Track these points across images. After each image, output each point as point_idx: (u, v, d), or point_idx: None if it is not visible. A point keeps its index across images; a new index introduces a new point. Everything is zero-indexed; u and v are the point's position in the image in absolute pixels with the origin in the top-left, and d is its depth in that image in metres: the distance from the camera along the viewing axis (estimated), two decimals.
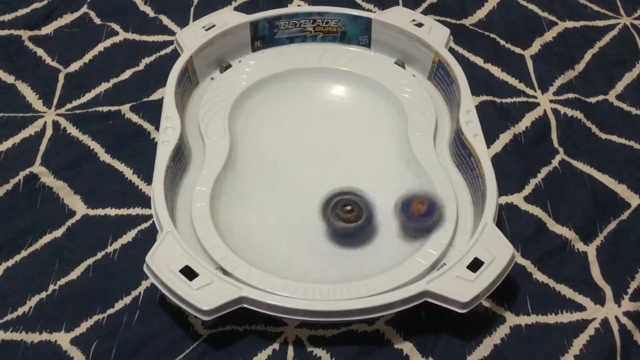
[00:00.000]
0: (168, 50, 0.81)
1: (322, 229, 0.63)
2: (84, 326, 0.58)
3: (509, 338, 0.58)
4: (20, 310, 0.59)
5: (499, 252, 0.56)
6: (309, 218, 0.64)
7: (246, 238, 0.62)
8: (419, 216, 0.60)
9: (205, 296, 0.53)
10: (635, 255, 0.64)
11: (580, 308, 0.60)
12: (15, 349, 0.56)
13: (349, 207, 0.61)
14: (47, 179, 0.68)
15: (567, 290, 0.61)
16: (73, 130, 0.72)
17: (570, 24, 0.86)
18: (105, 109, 0.75)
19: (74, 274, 0.61)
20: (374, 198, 0.62)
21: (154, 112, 0.71)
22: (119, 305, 0.59)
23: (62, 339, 0.57)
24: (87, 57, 0.80)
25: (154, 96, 0.76)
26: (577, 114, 0.75)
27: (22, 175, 0.68)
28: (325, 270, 0.61)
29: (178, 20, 0.84)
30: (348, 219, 0.61)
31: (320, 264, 0.61)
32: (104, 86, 0.77)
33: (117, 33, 0.83)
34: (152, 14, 0.86)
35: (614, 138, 0.74)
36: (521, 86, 0.78)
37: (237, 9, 0.85)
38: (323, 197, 0.62)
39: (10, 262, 0.62)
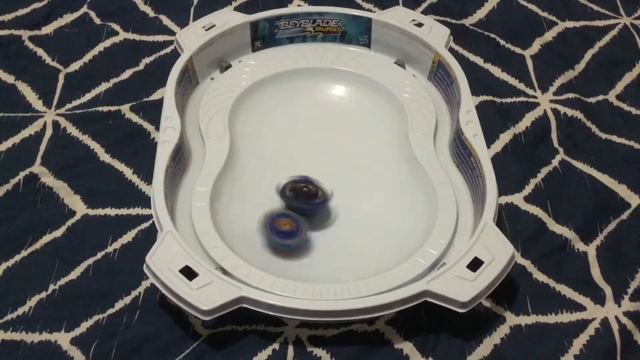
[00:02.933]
0: (168, 50, 0.81)
1: (322, 228, 0.63)
2: (84, 326, 0.58)
3: (509, 338, 0.58)
4: (20, 310, 0.59)
5: (499, 252, 0.56)
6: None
7: (246, 238, 0.62)
8: (283, 233, 0.60)
9: (205, 296, 0.53)
10: (635, 255, 0.64)
11: (580, 308, 0.60)
12: (16, 349, 0.56)
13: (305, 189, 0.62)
14: (47, 179, 0.68)
15: (567, 290, 0.61)
16: (73, 130, 0.72)
17: (570, 24, 0.86)
18: (106, 108, 0.75)
19: (74, 274, 0.61)
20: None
21: (154, 112, 0.71)
22: (119, 305, 0.59)
23: (62, 338, 0.57)
24: (87, 57, 0.80)
25: (154, 96, 0.76)
26: (577, 114, 0.75)
27: (22, 175, 0.68)
28: (325, 270, 0.61)
29: (178, 21, 0.84)
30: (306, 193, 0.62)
31: (320, 264, 0.61)
32: (104, 86, 0.77)
33: (117, 33, 0.83)
34: (152, 14, 0.86)
35: (614, 138, 0.74)
36: (521, 86, 0.78)
37: (237, 9, 0.85)
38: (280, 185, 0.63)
39: (11, 262, 0.62)
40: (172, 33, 0.83)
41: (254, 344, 0.57)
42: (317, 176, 0.68)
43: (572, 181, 0.69)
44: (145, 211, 0.65)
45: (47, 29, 0.83)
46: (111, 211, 0.66)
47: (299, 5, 0.86)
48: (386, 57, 0.77)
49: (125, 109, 0.74)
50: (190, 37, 0.73)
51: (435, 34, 0.74)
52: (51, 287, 0.60)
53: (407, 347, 0.57)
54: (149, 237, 0.63)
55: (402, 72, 0.75)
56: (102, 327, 0.58)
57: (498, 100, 0.76)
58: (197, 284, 0.54)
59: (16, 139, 0.72)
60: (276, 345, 0.57)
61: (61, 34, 0.83)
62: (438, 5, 0.87)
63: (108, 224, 0.65)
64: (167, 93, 0.68)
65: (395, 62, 0.76)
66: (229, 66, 0.75)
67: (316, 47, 0.77)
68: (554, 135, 0.74)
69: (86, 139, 0.72)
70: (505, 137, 0.73)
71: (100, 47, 0.81)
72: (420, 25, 0.75)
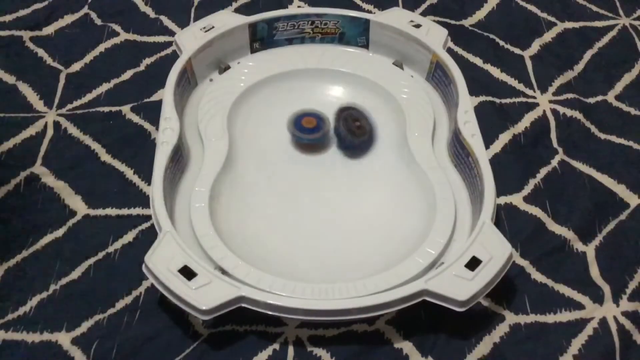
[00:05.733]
0: (169, 51, 0.81)
1: (321, 227, 0.63)
2: (85, 326, 0.58)
3: (508, 337, 0.58)
4: (21, 310, 0.59)
5: (497, 251, 0.56)
6: (307, 217, 0.65)
7: (245, 238, 0.62)
8: (309, 130, 0.69)
9: (204, 296, 0.54)
10: (634, 255, 0.64)
11: (579, 307, 0.60)
12: (16, 349, 0.57)
13: (358, 123, 0.69)
14: (48, 179, 0.68)
15: (565, 289, 0.61)
16: (74, 131, 0.73)
17: (569, 25, 0.86)
18: (106, 109, 0.75)
19: (74, 274, 0.61)
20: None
21: (154, 113, 0.71)
22: (120, 305, 0.59)
23: (63, 338, 0.57)
24: (88, 58, 0.80)
25: (155, 97, 0.76)
26: (577, 114, 0.75)
27: (23, 175, 0.68)
28: (324, 269, 0.61)
29: (179, 21, 0.85)
30: (356, 133, 0.69)
31: (319, 264, 0.62)
32: (105, 87, 0.77)
33: (118, 34, 0.83)
34: (152, 14, 0.86)
35: (613, 138, 0.74)
36: (520, 86, 0.79)
37: (237, 9, 0.85)
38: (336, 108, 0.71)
39: (11, 262, 0.62)
40: (173, 34, 0.83)
41: (254, 344, 0.57)
42: (315, 176, 0.68)
43: (571, 181, 0.69)
44: (146, 211, 0.65)
45: (48, 30, 0.84)
46: (112, 211, 0.66)
47: (298, 7, 0.86)
48: (384, 58, 0.77)
49: (126, 109, 0.75)
50: (189, 39, 0.73)
51: (433, 35, 0.74)
52: (52, 287, 0.60)
53: (407, 347, 0.57)
54: (150, 237, 0.63)
55: (400, 72, 0.75)
56: (103, 327, 0.58)
57: (497, 100, 0.77)
58: (196, 283, 0.54)
59: (17, 139, 0.72)
60: (276, 346, 0.57)
61: (62, 35, 0.83)
62: (437, 6, 0.87)
63: (109, 224, 0.65)
64: (166, 94, 0.68)
65: (393, 63, 0.76)
66: (228, 67, 0.75)
67: (314, 48, 0.77)
68: (553, 136, 0.74)
69: (87, 140, 0.72)
70: (504, 138, 0.73)
71: (101, 48, 0.81)
72: (418, 26, 0.75)
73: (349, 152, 0.70)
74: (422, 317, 0.59)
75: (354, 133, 0.69)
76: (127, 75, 0.79)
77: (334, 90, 0.75)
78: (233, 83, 0.73)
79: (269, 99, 0.73)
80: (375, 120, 0.70)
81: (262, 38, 0.77)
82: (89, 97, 0.76)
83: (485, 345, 0.57)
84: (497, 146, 0.72)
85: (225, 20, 0.75)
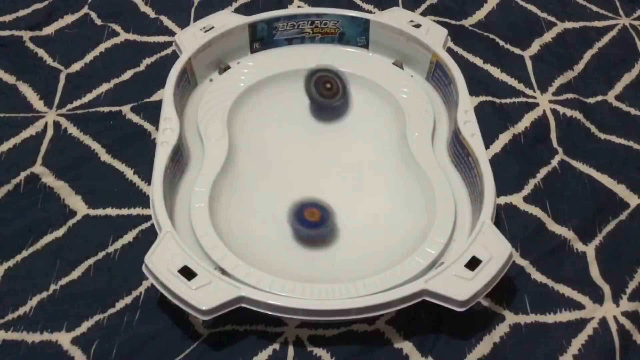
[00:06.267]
0: (169, 51, 0.81)
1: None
2: (85, 326, 0.58)
3: (508, 337, 0.58)
4: (21, 310, 0.59)
5: (497, 251, 0.56)
6: None
7: (245, 238, 0.62)
8: (312, 223, 0.61)
9: (204, 296, 0.54)
10: (634, 255, 0.64)
11: (579, 307, 0.60)
12: (16, 349, 0.57)
13: (328, 85, 0.69)
14: (48, 179, 0.68)
15: (565, 289, 0.61)
16: (74, 131, 0.73)
17: (569, 25, 0.86)
18: (106, 109, 0.75)
19: (74, 274, 0.61)
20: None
21: (154, 113, 0.71)
22: (120, 305, 0.59)
23: (63, 338, 0.57)
24: (88, 58, 0.80)
25: (155, 97, 0.76)
26: (576, 114, 0.75)
27: (23, 175, 0.69)
28: (324, 269, 0.61)
29: (178, 21, 0.85)
30: (328, 95, 0.70)
31: (319, 264, 0.61)
32: (105, 87, 0.77)
33: (117, 34, 0.83)
34: (152, 14, 0.86)
35: (613, 138, 0.74)
36: (520, 86, 0.79)
37: (237, 9, 0.85)
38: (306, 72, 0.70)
39: (11, 262, 0.62)
40: (173, 34, 0.83)
41: (255, 344, 0.57)
42: (315, 176, 0.68)
43: (571, 181, 0.69)
44: (146, 211, 0.66)
45: (48, 30, 0.84)
46: (112, 211, 0.66)
47: (298, 7, 0.87)
48: (384, 58, 0.77)
49: (126, 109, 0.75)
50: (189, 39, 0.73)
51: (433, 35, 0.74)
52: (52, 287, 0.60)
53: (407, 347, 0.57)
54: (150, 237, 0.63)
55: (400, 72, 0.75)
56: (103, 327, 0.58)
57: (497, 100, 0.77)
58: (196, 284, 0.54)
59: (17, 139, 0.72)
60: (276, 345, 0.57)
61: (62, 35, 0.83)
62: (437, 6, 0.87)
63: (109, 224, 0.65)
64: (166, 94, 0.68)
65: (393, 63, 0.76)
66: (228, 67, 0.75)
67: (314, 48, 0.77)
68: (553, 136, 0.74)
69: (87, 139, 0.72)
70: (504, 138, 0.73)
71: (101, 48, 0.81)
72: (418, 26, 0.75)
73: (324, 115, 0.71)
74: (422, 317, 0.59)
75: (324, 95, 0.70)
76: (127, 75, 0.79)
77: None
78: (233, 83, 0.73)
79: (269, 99, 0.73)
80: (347, 79, 0.71)
81: (262, 38, 0.77)
82: (89, 97, 0.76)
83: (485, 345, 0.57)
84: (497, 146, 0.72)
85: (225, 20, 0.75)
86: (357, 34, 0.77)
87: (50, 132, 0.73)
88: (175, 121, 0.65)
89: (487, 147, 0.67)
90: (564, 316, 0.59)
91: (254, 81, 0.73)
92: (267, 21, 0.76)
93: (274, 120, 0.72)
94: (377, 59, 0.77)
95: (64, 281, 0.61)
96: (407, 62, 0.76)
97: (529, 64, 0.81)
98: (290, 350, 0.57)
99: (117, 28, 0.84)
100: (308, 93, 0.71)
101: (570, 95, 0.77)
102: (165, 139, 0.64)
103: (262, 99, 0.73)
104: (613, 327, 0.59)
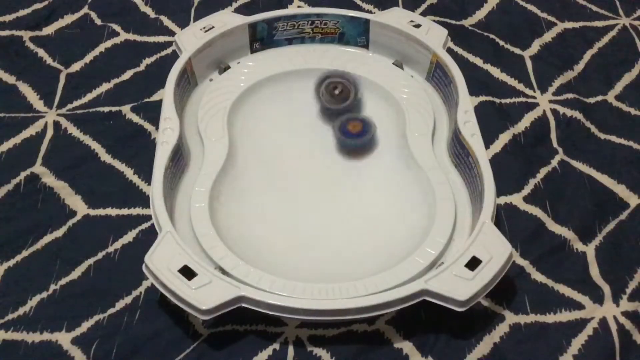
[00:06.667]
0: (169, 51, 0.81)
1: (321, 227, 0.63)
2: (85, 326, 0.58)
3: (508, 337, 0.58)
4: (21, 310, 0.59)
5: (497, 251, 0.56)
6: (308, 217, 0.65)
7: (245, 238, 0.62)
8: (355, 134, 0.69)
9: (204, 296, 0.54)
10: (633, 255, 0.64)
11: (579, 307, 0.60)
12: (16, 349, 0.57)
13: (337, 90, 0.70)
14: (48, 179, 0.68)
15: (565, 289, 0.61)
16: (74, 131, 0.73)
17: (569, 25, 0.86)
18: (106, 109, 0.75)
19: (74, 274, 0.61)
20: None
21: (154, 113, 0.71)
22: (120, 305, 0.59)
23: (63, 338, 0.57)
24: (88, 58, 0.80)
25: (155, 97, 0.76)
26: (577, 114, 0.75)
27: (23, 175, 0.68)
28: (324, 269, 0.61)
29: (179, 21, 0.85)
30: (337, 99, 0.71)
31: (319, 263, 0.61)
32: (105, 86, 0.77)
33: (118, 34, 0.83)
34: (152, 14, 0.86)
35: (613, 138, 0.74)
36: (520, 86, 0.79)
37: (237, 9, 0.85)
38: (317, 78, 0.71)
39: (11, 262, 0.62)
40: (173, 34, 0.83)
41: (255, 344, 0.57)
42: (315, 176, 0.68)
43: (571, 181, 0.69)
44: (146, 211, 0.66)
45: (48, 30, 0.84)
46: (112, 211, 0.66)
47: (298, 7, 0.87)
48: (384, 58, 0.77)
49: (126, 109, 0.75)
50: (189, 39, 0.73)
51: (433, 35, 0.74)
52: (52, 287, 0.60)
53: (407, 347, 0.57)
54: (150, 237, 0.63)
55: (400, 72, 0.75)
56: (103, 327, 0.58)
57: (497, 100, 0.77)
58: (196, 283, 0.54)
59: (17, 139, 0.72)
60: (276, 345, 0.57)
61: (62, 35, 0.83)
62: (437, 6, 0.87)
63: (109, 224, 0.65)
64: (166, 94, 0.68)
65: (393, 63, 0.76)
66: (228, 67, 0.75)
67: (314, 48, 0.77)
68: (553, 136, 0.74)
69: (87, 139, 0.72)
70: (504, 138, 0.73)
71: (101, 48, 0.81)
72: (418, 26, 0.75)
73: (334, 117, 0.71)
74: (422, 317, 0.59)
75: (334, 99, 0.71)
76: (127, 75, 0.79)
77: None
78: (233, 83, 0.73)
79: (269, 99, 0.73)
80: (358, 81, 0.71)
81: (262, 38, 0.77)
82: (89, 97, 0.76)
83: (485, 345, 0.57)
84: (497, 146, 0.72)
85: (225, 20, 0.75)
86: (357, 34, 0.77)
87: (50, 132, 0.73)
88: (175, 121, 0.66)
89: (487, 147, 0.67)
90: (564, 316, 0.59)
91: (254, 81, 0.73)
92: (268, 21, 0.76)
93: (274, 120, 0.72)
94: (377, 59, 0.77)
95: (64, 281, 0.61)
96: (407, 62, 0.76)
97: (529, 64, 0.81)
98: (290, 350, 0.57)
99: (117, 28, 0.84)
100: (318, 99, 0.72)
101: (570, 95, 0.77)
102: (165, 138, 0.64)
103: (262, 98, 0.73)
104: (613, 327, 0.59)
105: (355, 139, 0.69)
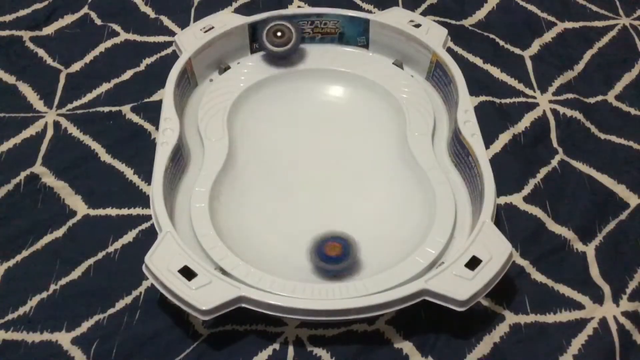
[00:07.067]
0: (169, 51, 0.81)
1: (321, 227, 0.63)
2: (85, 326, 0.58)
3: (508, 337, 0.58)
4: (21, 310, 0.59)
5: (497, 250, 0.56)
6: (307, 217, 0.65)
7: (245, 238, 0.62)
8: (334, 257, 0.58)
9: (204, 296, 0.54)
10: (633, 255, 0.64)
11: (579, 307, 0.60)
12: (16, 349, 0.57)
13: (279, 33, 0.67)
14: (48, 179, 0.68)
15: (565, 289, 0.61)
16: (74, 131, 0.73)
17: (569, 25, 0.86)
18: (106, 109, 0.75)
19: (74, 274, 0.61)
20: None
21: (154, 113, 0.71)
22: (120, 305, 0.59)
23: (63, 338, 0.57)
24: (88, 58, 0.80)
25: (155, 97, 0.76)
26: (577, 114, 0.75)
27: (23, 175, 0.68)
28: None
29: (179, 21, 0.85)
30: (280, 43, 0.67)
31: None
32: (105, 87, 0.77)
33: (118, 34, 0.83)
34: (152, 15, 0.86)
35: (613, 138, 0.74)
36: (520, 86, 0.79)
37: (237, 10, 0.85)
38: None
39: (11, 262, 0.62)
40: (173, 34, 0.83)
41: (254, 344, 0.57)
42: (316, 176, 0.68)
43: (571, 181, 0.69)
44: (146, 211, 0.66)
45: (48, 30, 0.84)
46: (112, 211, 0.66)
47: (298, 7, 0.87)
48: (384, 58, 0.77)
49: (126, 109, 0.75)
50: (189, 39, 0.73)
51: (433, 35, 0.74)
52: (52, 287, 0.60)
53: (407, 347, 0.57)
54: (150, 237, 0.63)
55: (400, 72, 0.75)
56: (103, 327, 0.58)
57: (497, 100, 0.77)
58: (196, 284, 0.54)
59: (17, 139, 0.72)
60: (276, 345, 0.57)
61: (62, 35, 0.83)
62: (437, 6, 0.87)
63: (109, 224, 0.65)
64: (166, 94, 0.68)
65: (393, 63, 0.76)
66: (228, 68, 0.75)
67: (314, 48, 0.77)
68: (553, 136, 0.74)
69: (87, 140, 0.72)
70: (504, 138, 0.73)
71: (101, 48, 0.81)
72: (418, 26, 0.75)
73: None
74: (422, 317, 0.59)
75: (275, 44, 0.69)
76: (127, 75, 0.79)
77: (333, 90, 0.75)
78: (233, 83, 0.73)
79: (269, 99, 0.73)
80: (299, 30, 0.69)
81: None
82: (89, 97, 0.76)
83: (485, 345, 0.57)
84: (497, 146, 0.72)
85: (226, 20, 0.75)
86: (357, 34, 0.77)
87: (50, 132, 0.73)
88: (175, 121, 0.66)
89: (487, 147, 0.67)
90: (564, 316, 0.59)
91: (254, 81, 0.73)
92: (267, 21, 0.75)
93: (274, 120, 0.72)
94: (377, 59, 0.77)
95: (64, 281, 0.61)
96: (407, 62, 0.76)
97: (529, 64, 0.81)
98: (290, 350, 0.57)
99: (117, 28, 0.84)
100: (261, 45, 0.70)
101: (570, 95, 0.77)
102: (165, 139, 0.64)
103: (262, 98, 0.73)
104: (613, 327, 0.59)
105: (334, 264, 0.58)
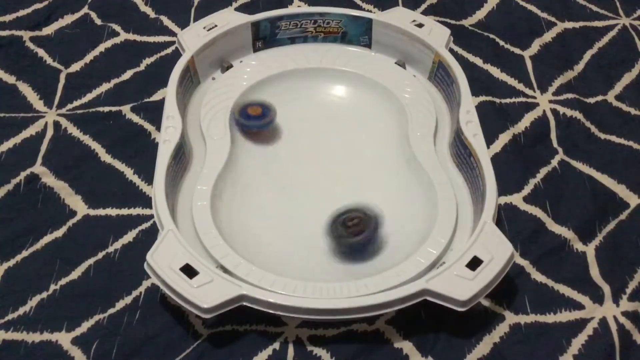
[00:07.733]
0: (169, 50, 0.81)
1: (322, 227, 0.63)
2: (85, 326, 0.58)
3: (508, 337, 0.58)
4: (21, 310, 0.59)
5: (498, 251, 0.57)
6: (309, 216, 0.65)
7: (247, 236, 0.62)
8: (255, 117, 0.69)
9: (206, 294, 0.54)
10: (634, 255, 0.64)
11: (579, 307, 0.60)
12: (16, 349, 0.56)
13: (354, 221, 0.61)
14: (48, 179, 0.68)
15: (565, 289, 0.61)
16: (74, 131, 0.73)
17: (569, 25, 0.86)
18: (106, 109, 0.75)
19: (74, 274, 0.61)
20: (377, 207, 0.61)
21: (154, 113, 0.71)
22: (120, 305, 0.59)
23: (63, 338, 0.57)
24: (88, 58, 0.80)
25: (155, 97, 0.76)
26: (577, 114, 0.75)
27: (23, 175, 0.68)
28: (325, 268, 0.61)
29: (179, 21, 0.85)
30: (354, 232, 0.60)
31: (321, 263, 0.61)
32: (105, 86, 0.77)
33: (117, 34, 0.83)
34: (152, 14, 0.86)
35: (613, 138, 0.74)
36: (520, 86, 0.79)
37: (237, 9, 0.85)
38: (329, 216, 0.61)
39: (11, 262, 0.62)
40: (173, 34, 0.83)
41: (255, 344, 0.57)
42: (317, 175, 0.68)
43: (571, 181, 0.69)
44: (146, 211, 0.65)
45: (48, 30, 0.84)
46: (112, 211, 0.66)
47: (299, 6, 0.87)
48: (387, 58, 0.77)
49: (126, 109, 0.75)
50: (192, 37, 0.73)
51: (436, 35, 0.74)
52: (52, 287, 0.60)
53: (407, 347, 0.57)
54: (150, 237, 0.63)
55: (402, 72, 0.75)
56: (103, 327, 0.58)
57: (497, 100, 0.77)
58: (198, 282, 0.54)
59: (17, 139, 0.72)
60: (276, 345, 0.57)
61: (62, 35, 0.83)
62: (438, 6, 0.87)
63: (109, 224, 0.65)
64: (169, 92, 0.68)
65: (395, 63, 0.76)
66: (230, 66, 0.75)
67: (317, 47, 0.77)
68: (553, 136, 0.74)
69: (87, 139, 0.72)
70: (504, 137, 0.73)
71: (101, 48, 0.81)
72: (420, 25, 0.75)
73: (354, 256, 0.61)
74: (422, 317, 0.59)
75: (350, 233, 0.60)
76: (127, 75, 0.79)
77: (336, 90, 0.75)
78: (235, 82, 0.73)
79: (271, 98, 0.73)
80: (375, 211, 0.61)
81: (264, 37, 0.77)
82: (89, 97, 0.76)
83: (485, 345, 0.57)
84: (497, 146, 0.72)
85: (228, 18, 0.75)
86: (360, 34, 0.77)
87: (50, 132, 0.72)
88: (177, 119, 0.65)
89: (487, 146, 0.67)
90: (564, 316, 0.59)
91: (257, 80, 0.73)
92: (270, 20, 0.76)
93: (276, 118, 0.72)
94: (379, 59, 0.77)
95: (64, 281, 0.61)
96: (409, 61, 0.76)
97: (529, 64, 0.81)
98: (291, 350, 0.57)
99: (117, 28, 0.84)
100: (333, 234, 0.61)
101: (570, 95, 0.77)
102: (167, 137, 0.64)
103: (264, 97, 0.73)
104: (613, 327, 0.59)
105: (256, 121, 0.69)
